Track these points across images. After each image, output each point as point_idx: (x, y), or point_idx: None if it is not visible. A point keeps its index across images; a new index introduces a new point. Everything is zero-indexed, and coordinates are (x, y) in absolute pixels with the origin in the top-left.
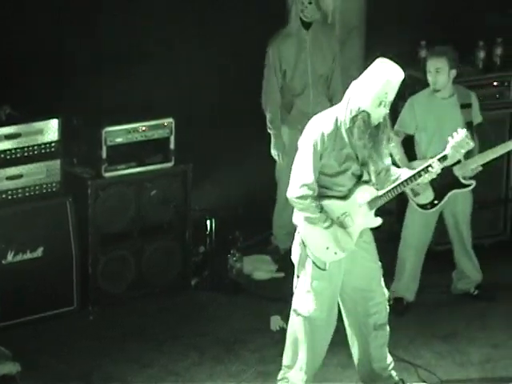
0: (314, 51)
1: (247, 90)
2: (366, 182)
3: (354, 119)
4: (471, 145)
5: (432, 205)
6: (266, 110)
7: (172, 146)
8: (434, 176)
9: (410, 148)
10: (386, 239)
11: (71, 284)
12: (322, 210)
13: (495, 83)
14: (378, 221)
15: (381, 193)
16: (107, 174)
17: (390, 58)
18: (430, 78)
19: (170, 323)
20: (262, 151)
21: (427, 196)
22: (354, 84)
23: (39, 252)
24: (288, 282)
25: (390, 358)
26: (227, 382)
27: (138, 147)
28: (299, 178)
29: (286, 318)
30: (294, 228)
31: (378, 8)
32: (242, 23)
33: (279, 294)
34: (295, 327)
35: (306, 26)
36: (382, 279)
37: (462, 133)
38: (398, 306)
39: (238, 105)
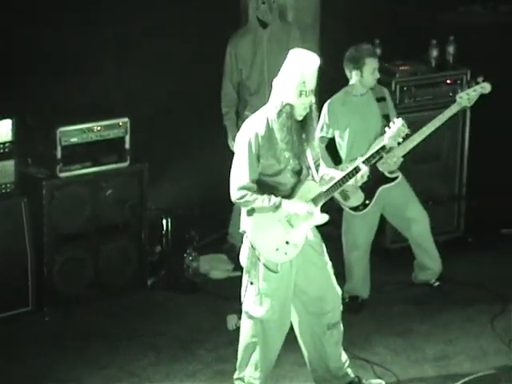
0: (272, 50)
1: (204, 89)
2: (311, 180)
3: (279, 114)
4: (407, 131)
5: (364, 205)
6: (222, 106)
7: (127, 145)
8: (373, 162)
9: (332, 153)
10: (341, 236)
11: (26, 285)
12: (266, 196)
13: (448, 81)
14: (325, 217)
15: (324, 189)
16: (62, 174)
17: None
18: (370, 78)
19: (126, 323)
20: (217, 150)
21: (357, 198)
22: (275, 80)
23: None
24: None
25: (345, 356)
26: (184, 381)
27: (93, 147)
28: (236, 181)
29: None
30: None
31: (331, 6)
32: (202, 23)
33: (236, 293)
34: (247, 329)
35: (264, 24)
36: (334, 278)
37: (398, 122)
38: (353, 304)
39: (194, 104)
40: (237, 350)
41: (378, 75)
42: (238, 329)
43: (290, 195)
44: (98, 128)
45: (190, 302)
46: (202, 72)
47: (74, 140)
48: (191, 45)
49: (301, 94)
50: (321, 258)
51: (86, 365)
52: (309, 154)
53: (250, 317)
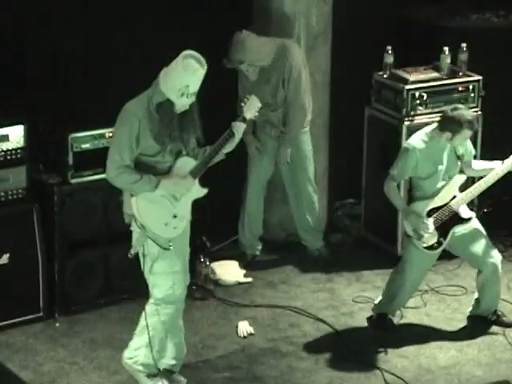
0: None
1: (213, 94)
2: (186, 155)
3: (160, 105)
4: (259, 105)
5: (439, 244)
6: None
7: None
8: (240, 133)
9: None
10: (353, 244)
11: (37, 291)
12: (142, 175)
13: (460, 88)
14: (204, 191)
15: (197, 163)
16: (74, 181)
17: None
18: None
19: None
20: (229, 157)
21: (432, 236)
22: (164, 70)
23: (5, 259)
24: (255, 287)
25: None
26: None
27: (104, 153)
28: (114, 159)
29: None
30: (260, 233)
31: (343, 14)
32: (210, 30)
33: (247, 300)
34: (149, 310)
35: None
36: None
37: (251, 97)
38: (382, 322)
39: (203, 109)
40: (248, 357)
41: (467, 144)
42: (249, 335)
43: (167, 172)
44: (110, 134)
45: (201, 308)
46: (210, 77)
47: (86, 146)
48: (201, 52)
49: (182, 95)
50: (186, 240)
51: (97, 371)
52: (192, 135)
53: (154, 298)
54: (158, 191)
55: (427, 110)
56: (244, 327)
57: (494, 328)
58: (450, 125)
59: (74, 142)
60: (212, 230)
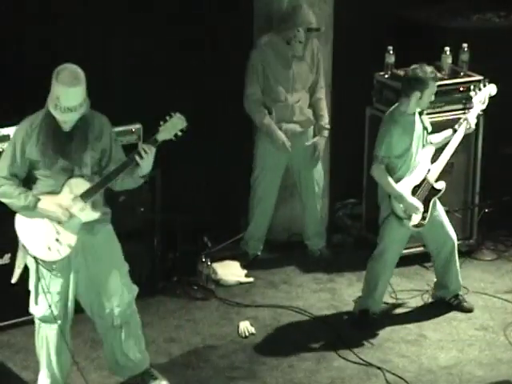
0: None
1: (218, 95)
2: (79, 176)
3: (46, 115)
4: (185, 124)
5: (423, 218)
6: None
7: None
8: (150, 157)
9: None
10: (354, 244)
11: None
12: (21, 193)
13: (461, 88)
14: (95, 214)
15: (90, 186)
16: None
17: None
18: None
19: None
20: (230, 156)
21: (417, 216)
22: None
23: (6, 259)
24: (257, 287)
25: (139, 354)
26: None
27: None
28: None
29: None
30: (264, 233)
31: (344, 14)
32: (215, 32)
33: (248, 300)
34: (36, 331)
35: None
36: (128, 278)
37: (176, 115)
38: (364, 319)
39: (206, 110)
40: (249, 357)
41: (433, 98)
42: (250, 335)
43: (58, 192)
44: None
45: (202, 308)
46: (215, 78)
47: None
48: (204, 52)
49: (56, 107)
50: (110, 258)
51: (98, 371)
52: (88, 153)
53: (36, 318)
54: (38, 211)
55: (428, 110)
56: (245, 327)
57: (495, 328)
58: (416, 84)
59: None
60: (213, 230)
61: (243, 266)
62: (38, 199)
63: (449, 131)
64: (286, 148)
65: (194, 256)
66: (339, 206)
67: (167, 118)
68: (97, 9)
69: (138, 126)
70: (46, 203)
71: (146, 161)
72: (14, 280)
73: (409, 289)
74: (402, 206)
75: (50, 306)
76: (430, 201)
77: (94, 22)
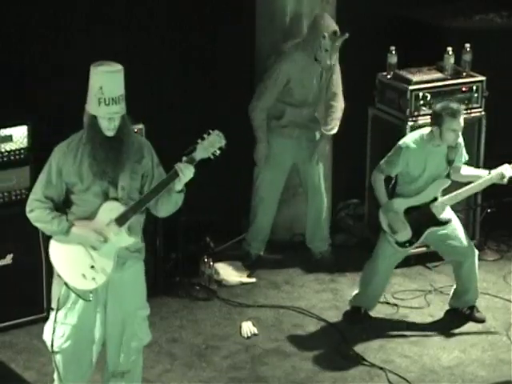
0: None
1: (222, 96)
2: (114, 199)
3: (88, 128)
4: (223, 142)
5: (410, 243)
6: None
7: None
8: (188, 176)
9: None
10: (356, 244)
11: (41, 291)
12: (55, 217)
13: (464, 89)
14: (131, 240)
15: (127, 208)
16: None
17: None
18: (451, 137)
19: None
20: (233, 156)
21: (405, 234)
22: None
23: (8, 259)
24: (259, 288)
25: None
26: None
27: None
28: (32, 192)
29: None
30: (267, 234)
31: (347, 15)
32: (212, 31)
33: (250, 300)
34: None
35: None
36: (146, 324)
37: (214, 132)
38: (355, 315)
39: (209, 110)
40: (252, 357)
41: (459, 136)
42: (252, 336)
43: (92, 216)
44: None
45: (204, 308)
46: (219, 78)
47: None
48: (210, 51)
49: (100, 103)
50: (134, 296)
51: (100, 371)
52: (126, 175)
53: (51, 348)
54: (71, 237)
55: (431, 111)
56: (248, 327)
57: (498, 328)
58: (434, 118)
59: None
60: (216, 230)
61: (245, 267)
62: (72, 224)
63: (484, 172)
64: (260, 162)
65: (197, 256)
66: (341, 206)
67: (205, 135)
68: (98, 8)
69: (140, 126)
70: (80, 228)
71: (183, 180)
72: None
73: (411, 289)
74: (386, 218)
75: (73, 338)
76: (426, 228)
77: (97, 22)
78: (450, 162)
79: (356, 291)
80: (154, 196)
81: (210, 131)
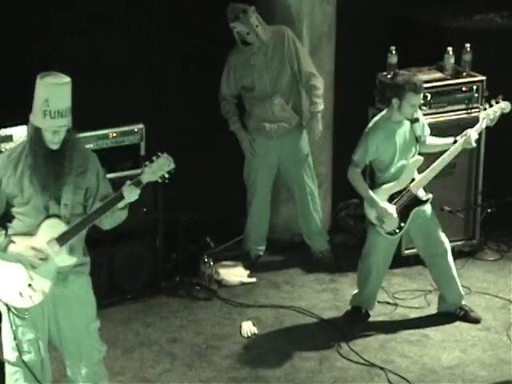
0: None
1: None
2: (56, 216)
3: (31, 140)
4: (172, 166)
5: (399, 228)
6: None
7: (143, 152)
8: (132, 198)
9: None
10: (356, 244)
11: None
12: None
13: (464, 89)
14: (72, 259)
15: (70, 226)
16: None
17: None
18: (409, 111)
19: (140, 330)
20: (233, 156)
21: (392, 223)
22: None
23: None
24: (259, 288)
25: None
26: None
27: (108, 153)
28: None
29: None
30: (266, 233)
31: (347, 14)
32: (212, 31)
33: (250, 300)
34: (7, 376)
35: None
36: (97, 336)
37: (163, 155)
38: (356, 315)
39: (209, 110)
40: (252, 357)
41: (417, 110)
42: (252, 336)
43: (34, 231)
44: (114, 134)
45: (204, 308)
46: (219, 78)
47: (89, 146)
48: (209, 52)
49: (45, 115)
50: (82, 310)
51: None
52: (69, 189)
53: (8, 363)
54: (9, 254)
55: (431, 111)
56: (248, 327)
57: (498, 328)
58: (393, 90)
59: None
60: (216, 230)
61: (246, 267)
62: (11, 241)
63: (449, 139)
64: (248, 153)
65: (197, 256)
66: (342, 206)
67: (154, 158)
68: (98, 8)
69: (140, 125)
70: (18, 246)
71: (129, 201)
72: None
73: (411, 289)
74: (373, 211)
75: (20, 354)
76: (410, 210)
77: (97, 22)
78: (417, 139)
79: (355, 291)
80: (97, 217)
81: (159, 154)
